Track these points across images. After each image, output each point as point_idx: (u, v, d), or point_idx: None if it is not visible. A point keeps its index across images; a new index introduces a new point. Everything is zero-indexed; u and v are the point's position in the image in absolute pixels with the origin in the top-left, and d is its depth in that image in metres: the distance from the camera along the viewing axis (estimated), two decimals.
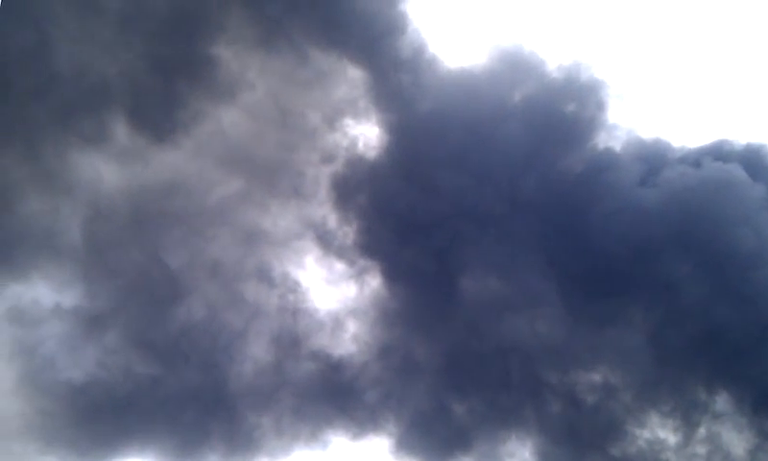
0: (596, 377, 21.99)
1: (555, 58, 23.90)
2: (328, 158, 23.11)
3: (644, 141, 23.93)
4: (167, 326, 21.32)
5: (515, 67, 23.52)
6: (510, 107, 23.29)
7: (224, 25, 22.13)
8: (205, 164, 22.48)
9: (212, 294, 21.86)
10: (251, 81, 22.61)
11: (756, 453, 20.72)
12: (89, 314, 20.77)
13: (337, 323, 22.61)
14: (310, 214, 22.92)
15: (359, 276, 22.84)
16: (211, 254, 22.09)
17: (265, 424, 21.54)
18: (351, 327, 22.74)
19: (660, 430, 21.52)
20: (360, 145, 23.41)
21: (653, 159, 23.46)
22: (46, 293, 20.46)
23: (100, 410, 20.51)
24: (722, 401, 21.27)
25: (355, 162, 23.19)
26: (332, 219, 22.97)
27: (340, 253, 22.84)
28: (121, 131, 21.64)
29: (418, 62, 23.56)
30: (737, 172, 22.53)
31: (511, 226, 22.60)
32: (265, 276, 22.35)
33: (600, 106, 23.48)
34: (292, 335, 22.16)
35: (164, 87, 21.88)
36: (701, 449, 21.22)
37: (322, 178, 23.06)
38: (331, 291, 22.98)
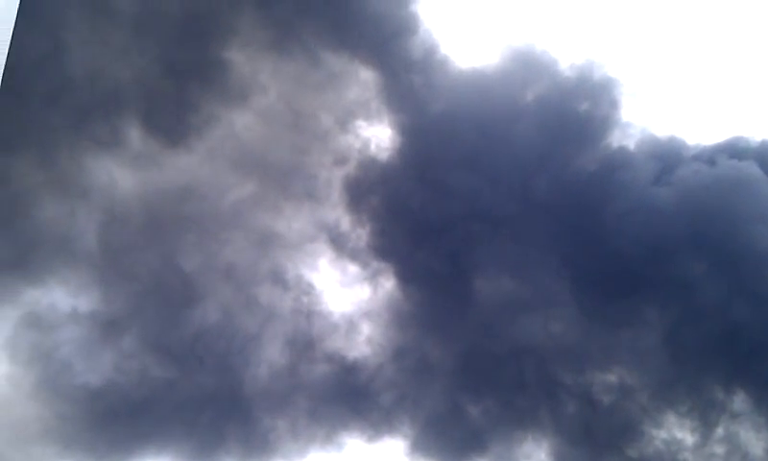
0: (612, 378, 21.86)
1: (567, 57, 23.86)
2: (341, 161, 23.15)
3: (658, 139, 23.79)
4: (182, 329, 21.40)
5: (527, 67, 23.46)
6: (522, 106, 23.23)
7: (236, 29, 22.23)
8: (219, 168, 22.55)
9: (227, 297, 21.92)
10: (263, 84, 22.70)
11: None
12: (106, 318, 20.88)
13: (351, 325, 22.61)
14: (323, 217, 22.97)
15: (373, 278, 22.85)
16: (225, 258, 22.16)
17: (280, 427, 21.55)
18: (366, 329, 22.74)
19: (677, 431, 21.37)
20: (372, 147, 23.46)
21: (667, 158, 23.32)
22: (63, 298, 20.58)
23: (117, 414, 20.60)
24: (740, 401, 21.13)
25: (368, 164, 23.21)
26: (345, 221, 23.00)
27: (353, 255, 22.87)
28: (135, 135, 21.78)
29: (429, 63, 23.57)
30: (753, 169, 22.35)
31: (524, 226, 22.52)
32: (279, 279, 22.41)
33: (613, 104, 23.42)
34: (306, 338, 22.18)
35: (177, 92, 22.01)
36: (719, 449, 21.06)
37: (334, 180, 23.10)
38: (345, 293, 23.00)
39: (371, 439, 21.74)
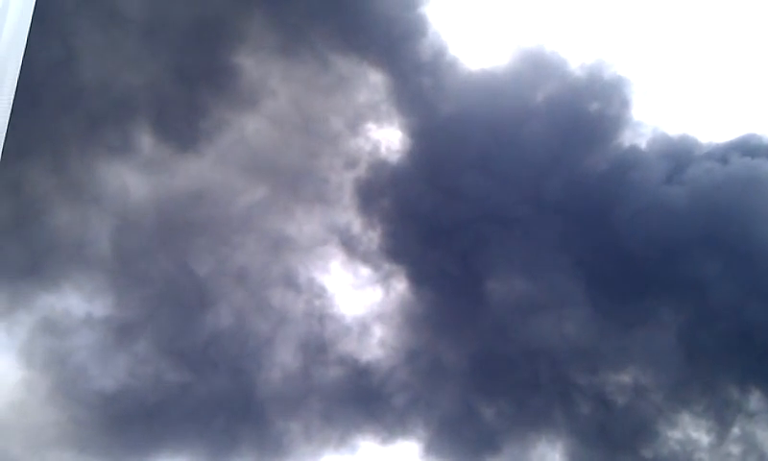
0: (626, 378, 21.76)
1: (577, 56, 23.77)
2: (352, 163, 23.18)
3: (670, 138, 23.67)
4: (196, 333, 21.49)
5: (536, 67, 23.41)
6: (532, 107, 23.18)
7: (245, 34, 22.30)
8: (230, 172, 22.65)
9: (239, 301, 21.99)
10: (273, 88, 22.76)
11: None
12: (120, 323, 21.01)
13: (364, 328, 22.63)
14: (335, 220, 23.00)
15: (385, 280, 22.85)
16: (238, 262, 22.23)
17: (294, 430, 21.59)
18: (378, 331, 22.75)
19: (692, 431, 21.25)
20: (383, 149, 23.47)
21: (679, 156, 23.20)
22: (77, 303, 20.72)
23: (131, 417, 20.70)
24: (755, 400, 20.97)
25: (378, 167, 23.23)
26: (357, 224, 23.02)
27: (365, 257, 22.89)
28: (146, 141, 21.90)
29: (438, 65, 23.55)
30: (766, 167, 22.17)
31: (536, 227, 22.47)
32: (291, 282, 22.48)
33: (624, 103, 23.31)
34: (319, 341, 22.22)
35: (188, 97, 22.11)
36: (735, 449, 20.93)
37: (345, 183, 23.13)
38: (357, 296, 23.01)
39: (384, 441, 21.75)
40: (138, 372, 20.99)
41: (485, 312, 22.27)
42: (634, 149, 23.23)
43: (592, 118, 23.13)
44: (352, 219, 23.05)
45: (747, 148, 23.38)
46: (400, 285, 22.90)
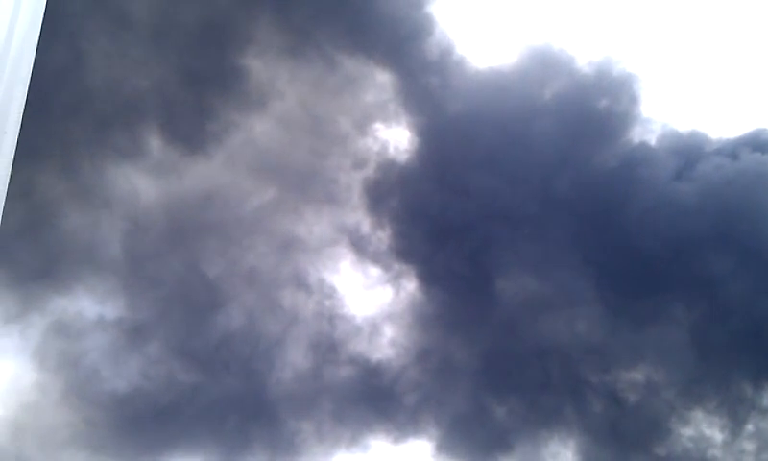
0: (638, 376, 21.68)
1: (585, 53, 23.72)
2: (360, 164, 23.20)
3: (680, 134, 23.59)
4: (207, 334, 21.58)
5: (544, 65, 23.35)
6: (540, 105, 23.13)
7: (252, 36, 22.36)
8: (239, 174, 22.72)
9: (250, 302, 22.07)
10: (280, 89, 22.80)
11: None
12: (132, 325, 21.12)
13: (374, 327, 22.63)
14: (344, 220, 23.04)
15: (395, 280, 22.86)
16: (248, 263, 22.30)
17: (306, 429, 21.63)
18: (388, 331, 22.74)
19: (705, 428, 21.15)
20: (391, 149, 23.48)
21: (689, 152, 23.09)
22: (89, 306, 20.84)
23: (144, 419, 20.80)
24: None
25: (387, 167, 23.24)
26: (366, 224, 23.05)
27: (375, 258, 22.91)
28: (155, 144, 21.98)
29: (446, 64, 23.53)
30: None
31: (545, 225, 22.42)
32: (301, 282, 22.53)
33: (633, 100, 23.23)
34: (329, 341, 22.27)
35: (196, 100, 22.19)
36: (749, 446, 20.80)
37: (354, 183, 23.16)
38: (367, 296, 23.04)
39: (396, 440, 21.75)
40: (150, 373, 21.10)
41: (495, 311, 22.26)
42: (643, 145, 23.14)
43: (601, 115, 23.06)
44: (361, 219, 23.08)
45: (757, 143, 23.24)
46: (410, 285, 22.92)
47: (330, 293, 22.64)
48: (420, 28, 23.30)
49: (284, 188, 22.82)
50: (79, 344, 20.71)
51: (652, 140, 23.42)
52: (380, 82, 23.42)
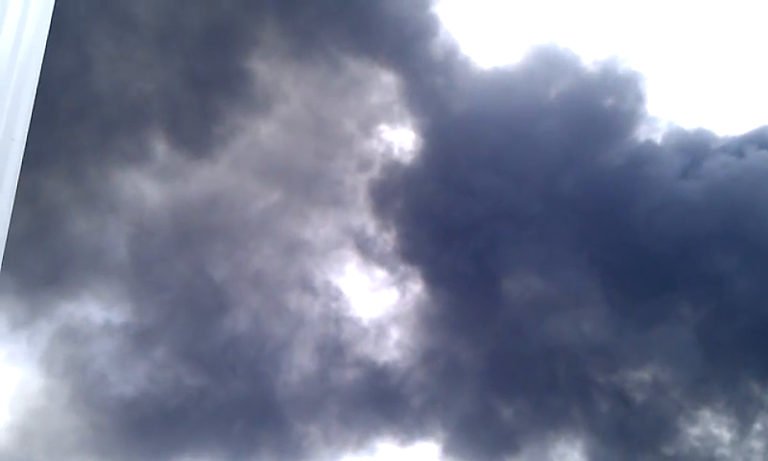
0: (645, 376, 21.58)
1: (590, 52, 23.62)
2: (365, 165, 23.18)
3: (686, 132, 23.49)
4: (213, 338, 21.59)
5: (549, 64, 23.28)
6: (545, 104, 23.07)
7: (257, 40, 22.38)
8: (244, 177, 22.75)
9: (256, 305, 22.07)
10: (285, 92, 22.82)
11: None
12: (138, 330, 21.15)
13: (380, 329, 22.59)
14: (349, 222, 23.02)
15: (400, 282, 22.82)
16: (254, 266, 22.32)
17: (313, 432, 21.61)
18: (395, 333, 22.70)
19: (713, 427, 21.04)
20: (396, 150, 23.45)
21: (695, 150, 23.00)
22: (96, 311, 20.90)
23: (151, 423, 20.83)
24: None
25: (392, 168, 23.22)
26: (371, 226, 23.03)
27: (380, 259, 22.88)
28: (160, 148, 22.02)
29: (450, 64, 23.50)
30: None
31: (551, 224, 22.35)
32: (307, 285, 22.50)
33: (639, 98, 23.13)
34: (336, 343, 22.24)
35: (201, 103, 22.23)
36: (757, 444, 20.69)
37: (359, 185, 23.15)
38: (373, 298, 23.03)
39: (403, 443, 21.70)
40: (157, 377, 21.12)
41: (501, 312, 22.19)
42: (649, 144, 23.05)
43: (606, 114, 22.98)
44: (367, 221, 23.05)
45: (763, 141, 23.12)
46: (416, 287, 22.87)
47: (336, 295, 22.64)
48: (425, 28, 23.30)
49: (290, 191, 22.85)
50: (86, 349, 20.77)
51: (658, 138, 23.36)
52: (385, 83, 23.43)
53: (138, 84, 21.80)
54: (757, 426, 20.78)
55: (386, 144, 23.34)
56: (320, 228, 22.88)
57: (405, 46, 23.06)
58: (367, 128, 23.18)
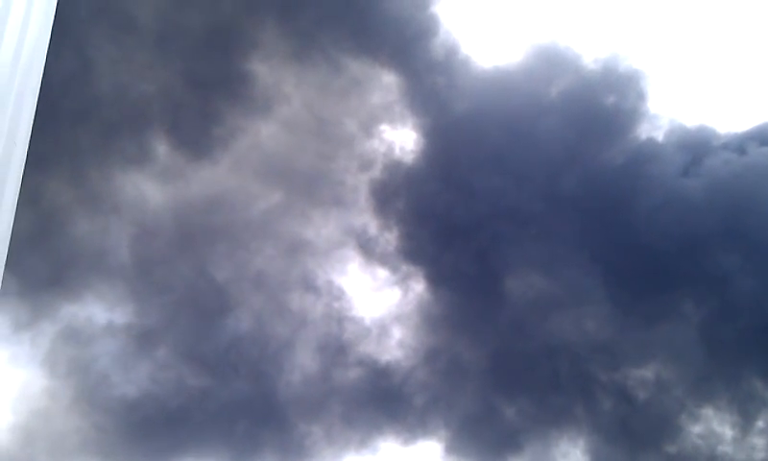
0: (648, 373, 21.58)
1: (591, 50, 23.60)
2: (366, 165, 23.19)
3: (688, 129, 23.46)
4: (216, 338, 21.63)
5: (550, 63, 23.28)
6: (547, 103, 23.07)
7: (258, 41, 22.41)
8: (246, 178, 22.77)
9: (259, 305, 22.09)
10: (286, 93, 22.84)
11: None
12: (141, 330, 21.19)
13: (382, 329, 22.60)
14: (351, 222, 23.03)
15: (402, 281, 22.81)
16: (256, 267, 22.34)
17: (315, 432, 21.63)
18: (397, 332, 22.70)
19: (716, 424, 21.04)
20: (397, 150, 23.46)
21: (696, 148, 22.99)
22: (99, 312, 20.93)
23: (154, 423, 20.85)
24: None
25: (393, 168, 23.23)
26: (373, 226, 23.04)
27: (382, 259, 22.89)
28: (162, 149, 22.06)
29: (451, 64, 23.50)
30: None
31: (552, 223, 22.36)
32: (310, 285, 22.53)
33: (640, 96, 23.11)
34: (338, 343, 22.25)
35: (202, 105, 22.26)
36: (759, 441, 20.69)
37: (361, 185, 23.16)
38: (375, 298, 23.04)
39: (406, 442, 21.72)
40: (160, 378, 21.15)
41: (503, 310, 22.20)
42: (650, 141, 23.03)
43: (608, 112, 22.97)
44: (369, 221, 23.07)
45: (764, 137, 23.11)
46: (418, 286, 22.88)
47: (338, 295, 22.66)
48: (425, 28, 23.31)
49: (291, 191, 22.87)
50: (88, 350, 20.81)
51: (659, 136, 23.35)
52: (386, 83, 23.44)
53: (139, 85, 21.86)
54: (760, 424, 20.78)
55: (387, 144, 23.38)
56: (322, 228, 22.93)
57: (406, 46, 23.09)
58: (368, 128, 23.21)
